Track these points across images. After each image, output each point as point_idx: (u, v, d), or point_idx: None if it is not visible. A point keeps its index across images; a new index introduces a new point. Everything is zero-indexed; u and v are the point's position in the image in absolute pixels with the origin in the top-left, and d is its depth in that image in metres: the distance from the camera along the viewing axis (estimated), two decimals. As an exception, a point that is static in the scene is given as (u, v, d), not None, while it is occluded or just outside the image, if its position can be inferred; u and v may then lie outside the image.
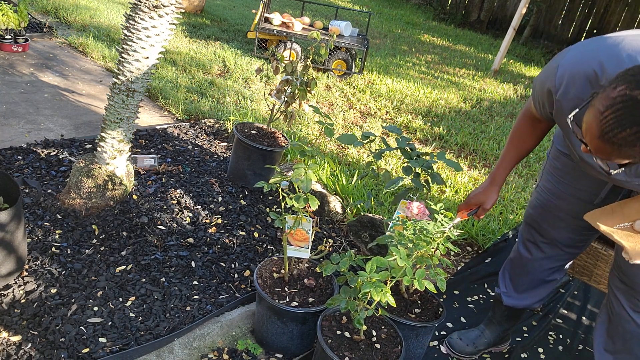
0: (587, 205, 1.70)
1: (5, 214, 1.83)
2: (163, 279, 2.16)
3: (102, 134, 2.42)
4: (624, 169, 1.21)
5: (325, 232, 2.75)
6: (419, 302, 2.03)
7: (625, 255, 1.46)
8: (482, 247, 2.99)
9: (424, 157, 2.13)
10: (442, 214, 1.85)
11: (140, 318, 1.96)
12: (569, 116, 1.27)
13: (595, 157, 1.23)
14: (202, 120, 3.74)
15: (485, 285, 2.69)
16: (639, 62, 1.23)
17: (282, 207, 2.23)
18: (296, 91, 2.74)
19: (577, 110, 1.27)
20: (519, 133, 1.75)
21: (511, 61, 8.13)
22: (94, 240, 2.29)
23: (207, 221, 2.58)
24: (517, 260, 1.99)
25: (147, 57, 2.29)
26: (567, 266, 1.96)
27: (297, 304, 1.93)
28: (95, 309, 1.96)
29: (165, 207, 2.58)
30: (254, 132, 2.97)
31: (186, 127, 3.57)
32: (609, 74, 1.28)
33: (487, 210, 1.84)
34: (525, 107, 1.72)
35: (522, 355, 2.24)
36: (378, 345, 1.73)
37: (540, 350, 2.30)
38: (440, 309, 2.01)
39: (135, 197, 2.59)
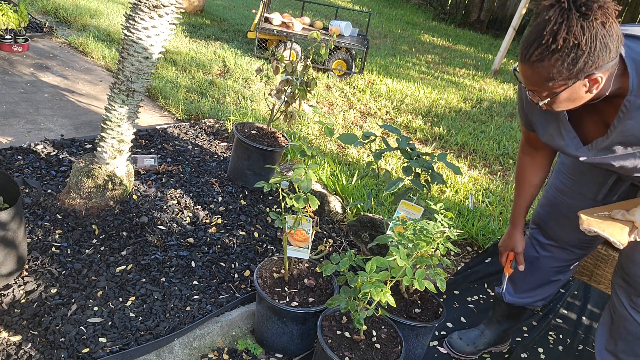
0: (590, 202, 1.73)
1: (5, 214, 1.83)
2: (163, 279, 2.16)
3: (102, 134, 2.42)
4: (547, 100, 1.31)
5: (325, 232, 2.75)
6: (419, 302, 2.03)
7: (614, 244, 1.52)
8: (482, 247, 2.99)
9: (424, 157, 2.13)
10: (442, 213, 1.85)
11: (140, 318, 1.96)
12: (514, 66, 1.38)
13: (529, 94, 1.35)
14: (202, 120, 3.74)
15: (485, 285, 2.69)
16: None
17: (282, 207, 2.23)
18: (296, 91, 2.74)
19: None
20: (521, 170, 1.81)
21: (511, 61, 8.13)
22: (94, 240, 2.29)
23: (207, 221, 2.58)
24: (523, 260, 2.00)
25: (147, 57, 2.29)
26: (572, 267, 1.96)
27: (297, 304, 1.93)
28: (95, 309, 1.96)
29: (165, 207, 2.58)
30: (254, 132, 2.98)
31: (186, 127, 3.57)
32: None
33: (520, 253, 1.87)
34: (520, 142, 1.80)
35: (522, 355, 2.24)
36: (378, 345, 1.73)
37: (540, 350, 2.30)
38: (440, 309, 2.01)
39: (135, 197, 2.59)
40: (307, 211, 1.96)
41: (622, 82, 1.30)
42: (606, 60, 1.21)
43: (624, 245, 1.51)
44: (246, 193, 2.90)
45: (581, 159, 1.49)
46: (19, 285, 1.98)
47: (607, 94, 1.32)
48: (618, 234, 1.51)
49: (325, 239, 2.68)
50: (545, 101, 1.32)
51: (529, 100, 1.41)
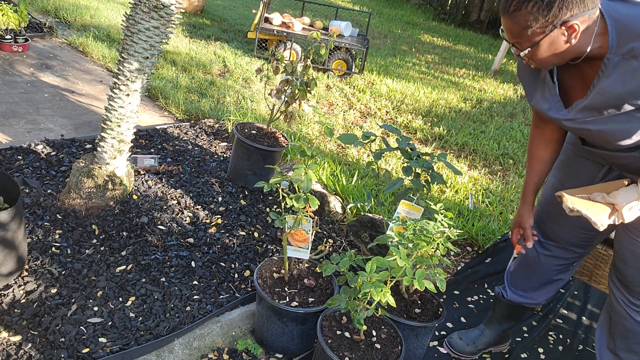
0: None
1: (5, 214, 1.83)
2: (163, 279, 2.16)
3: (102, 134, 2.42)
4: (528, 51, 1.36)
5: (325, 232, 2.75)
6: (419, 302, 2.03)
7: (594, 224, 1.51)
8: (482, 247, 2.99)
9: (424, 157, 2.14)
10: (442, 213, 1.85)
11: (140, 318, 1.96)
12: (501, 28, 1.43)
13: (514, 49, 1.41)
14: (202, 120, 3.74)
15: (485, 285, 2.69)
16: None
17: (282, 207, 2.23)
18: (296, 91, 2.74)
19: None
20: (530, 144, 1.82)
21: (511, 61, 8.13)
22: (94, 240, 2.29)
23: (207, 221, 2.58)
24: (524, 258, 2.00)
25: (147, 57, 2.29)
26: (573, 266, 1.96)
27: (297, 304, 1.93)
28: (95, 309, 1.96)
29: (165, 207, 2.58)
30: (254, 132, 2.98)
31: (186, 127, 3.57)
32: None
33: (527, 228, 1.85)
34: (531, 115, 1.81)
35: (522, 355, 2.24)
36: (378, 345, 1.74)
37: (540, 350, 2.30)
38: (440, 309, 2.01)
39: (135, 197, 2.59)
40: (307, 211, 1.96)
41: (603, 41, 1.34)
42: (582, 9, 1.26)
43: (604, 227, 1.50)
44: (246, 193, 2.90)
45: (562, 121, 1.51)
46: (19, 285, 1.98)
47: (589, 50, 1.35)
48: (600, 216, 1.51)
49: (325, 239, 2.68)
50: (526, 51, 1.37)
51: (515, 56, 1.47)
